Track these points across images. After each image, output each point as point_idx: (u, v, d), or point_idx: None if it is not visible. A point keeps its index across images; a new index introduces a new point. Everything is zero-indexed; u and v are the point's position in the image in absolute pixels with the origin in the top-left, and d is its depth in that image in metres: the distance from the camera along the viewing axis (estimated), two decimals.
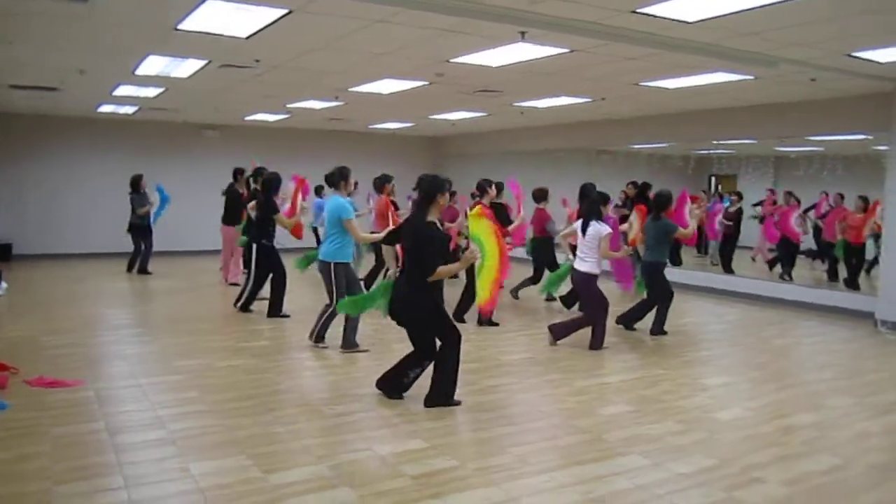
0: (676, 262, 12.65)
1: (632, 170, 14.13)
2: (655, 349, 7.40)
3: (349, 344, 6.88)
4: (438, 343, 5.24)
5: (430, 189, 5.15)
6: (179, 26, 6.30)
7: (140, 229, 12.27)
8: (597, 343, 7.17)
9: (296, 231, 8.67)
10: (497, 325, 8.27)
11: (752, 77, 8.25)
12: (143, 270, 12.25)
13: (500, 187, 9.01)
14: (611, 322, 7.57)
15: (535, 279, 10.10)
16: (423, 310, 5.15)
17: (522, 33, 6.20)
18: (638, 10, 5.46)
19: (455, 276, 10.33)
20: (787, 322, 9.28)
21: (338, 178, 6.92)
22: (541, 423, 5.00)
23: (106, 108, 12.98)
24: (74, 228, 14.61)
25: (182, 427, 4.67)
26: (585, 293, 7.42)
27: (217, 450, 4.30)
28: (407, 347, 5.38)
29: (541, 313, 9.34)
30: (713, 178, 15.83)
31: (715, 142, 12.64)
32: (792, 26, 5.86)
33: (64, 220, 14.56)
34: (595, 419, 5.05)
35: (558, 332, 7.36)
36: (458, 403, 5.23)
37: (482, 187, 8.44)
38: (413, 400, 5.30)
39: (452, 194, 9.31)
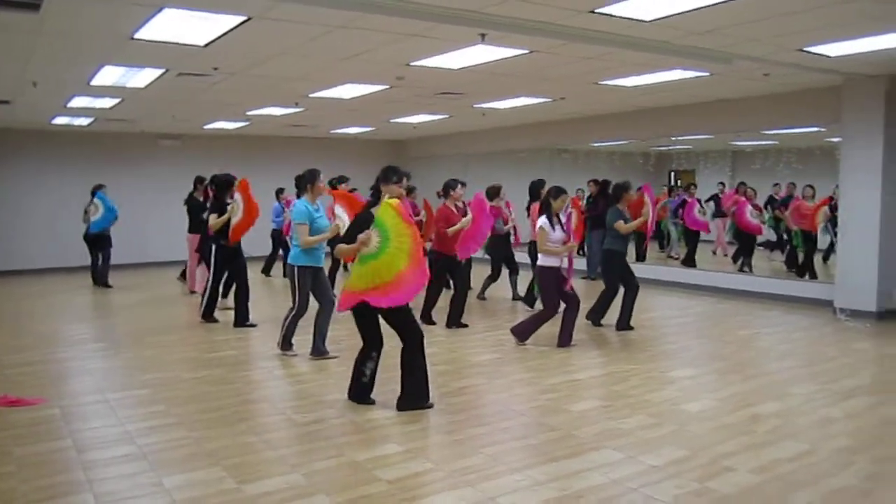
0: (641, 257, 12.84)
1: (593, 168, 14.32)
2: (622, 344, 7.49)
3: (318, 351, 6.85)
4: (402, 344, 5.22)
5: (378, 180, 5.37)
6: (136, 35, 6.22)
7: (93, 239, 12.03)
8: (565, 340, 7.23)
9: (233, 233, 8.27)
10: (466, 326, 8.30)
11: (707, 74, 8.40)
12: (103, 283, 12.06)
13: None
14: (580, 319, 7.63)
15: (493, 277, 10.18)
16: None
17: (482, 35, 6.24)
18: (596, 10, 5.53)
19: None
20: (748, 313, 9.46)
21: (305, 181, 6.84)
22: (513, 422, 5.02)
23: (60, 120, 12.72)
24: (33, 243, 14.28)
25: (152, 441, 4.61)
26: (540, 286, 7.44)
27: (189, 462, 4.25)
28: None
29: (508, 313, 9.38)
30: (673, 174, 16.10)
31: (673, 138, 12.84)
32: (746, 23, 5.99)
33: (22, 235, 14.22)
34: (566, 416, 5.09)
35: (521, 332, 7.37)
36: (430, 406, 5.24)
37: (448, 187, 8.30)
38: (384, 406, 5.29)
39: (411, 190, 9.33)
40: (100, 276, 12.11)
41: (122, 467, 4.17)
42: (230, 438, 4.66)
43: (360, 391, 5.36)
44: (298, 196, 7.03)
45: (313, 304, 6.84)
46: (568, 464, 4.17)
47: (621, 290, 8.13)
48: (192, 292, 10.83)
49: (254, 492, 3.79)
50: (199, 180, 10.94)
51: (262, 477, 4.00)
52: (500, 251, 9.99)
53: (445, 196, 8.35)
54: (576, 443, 4.54)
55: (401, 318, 5.13)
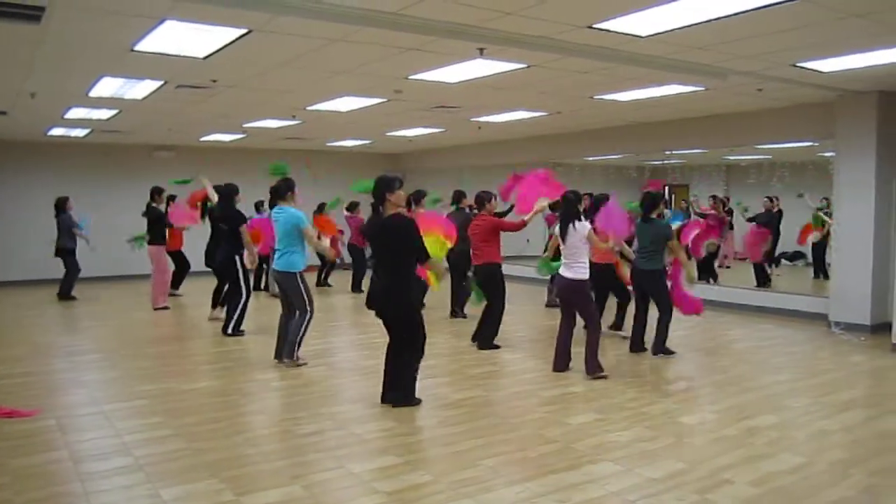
0: None
1: (588, 182, 14.33)
2: (618, 358, 7.48)
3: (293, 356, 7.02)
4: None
5: (378, 189, 5.41)
6: (136, 47, 6.23)
7: (69, 252, 11.87)
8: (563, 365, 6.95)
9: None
10: (499, 347, 7.94)
11: (702, 88, 8.46)
12: (68, 294, 11.84)
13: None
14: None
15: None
16: (408, 304, 5.47)
17: (481, 49, 6.28)
18: (593, 26, 5.58)
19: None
20: (742, 326, 9.49)
21: (284, 190, 7.04)
22: (511, 434, 5.02)
23: (56, 132, 12.70)
24: (28, 254, 14.14)
25: (149, 453, 4.59)
26: (579, 301, 6.65)
27: (187, 474, 4.23)
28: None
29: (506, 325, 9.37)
30: (667, 188, 16.13)
31: (668, 152, 12.90)
32: (740, 39, 6.04)
33: (17, 246, 14.11)
34: (564, 428, 5.10)
35: (592, 366, 6.55)
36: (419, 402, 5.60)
37: (481, 200, 8.10)
38: (383, 417, 5.30)
39: (419, 199, 9.26)
40: (67, 287, 11.88)
41: (120, 479, 4.16)
42: (228, 450, 4.65)
43: (406, 392, 5.66)
44: (273, 205, 7.28)
45: None
46: (566, 476, 4.18)
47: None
48: (158, 308, 10.75)
49: None
50: (156, 191, 11.24)
51: (261, 489, 3.99)
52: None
53: (480, 208, 8.15)
54: (574, 455, 4.54)
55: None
